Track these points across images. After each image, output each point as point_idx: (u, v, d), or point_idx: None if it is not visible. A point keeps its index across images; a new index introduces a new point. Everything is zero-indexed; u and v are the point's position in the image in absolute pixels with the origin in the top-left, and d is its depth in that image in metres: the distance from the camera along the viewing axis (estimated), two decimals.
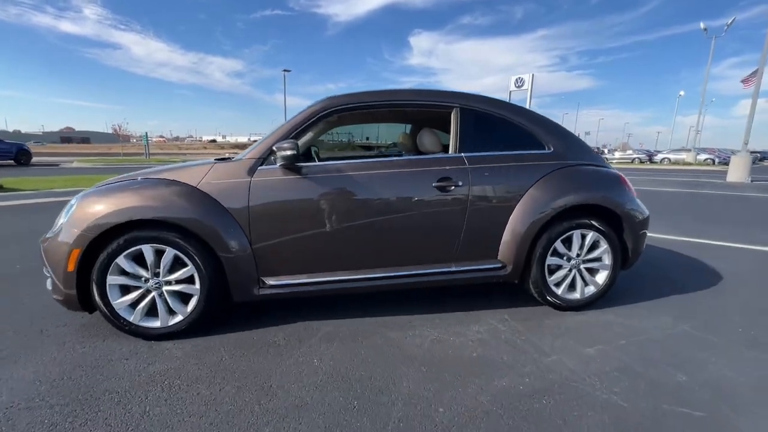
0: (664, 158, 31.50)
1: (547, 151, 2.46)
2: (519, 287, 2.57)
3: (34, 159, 19.51)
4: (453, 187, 2.24)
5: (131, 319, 2.04)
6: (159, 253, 2.02)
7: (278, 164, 2.11)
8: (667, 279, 3.17)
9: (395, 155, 2.82)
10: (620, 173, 2.60)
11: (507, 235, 2.34)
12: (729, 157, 27.34)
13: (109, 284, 1.99)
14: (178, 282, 2.07)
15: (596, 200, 2.39)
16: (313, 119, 2.25)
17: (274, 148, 2.08)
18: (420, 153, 2.60)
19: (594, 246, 2.48)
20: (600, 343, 2.10)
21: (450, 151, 2.36)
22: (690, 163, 28.83)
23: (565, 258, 2.46)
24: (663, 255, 3.89)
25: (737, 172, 14.18)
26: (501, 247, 2.37)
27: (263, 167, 2.15)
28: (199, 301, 2.08)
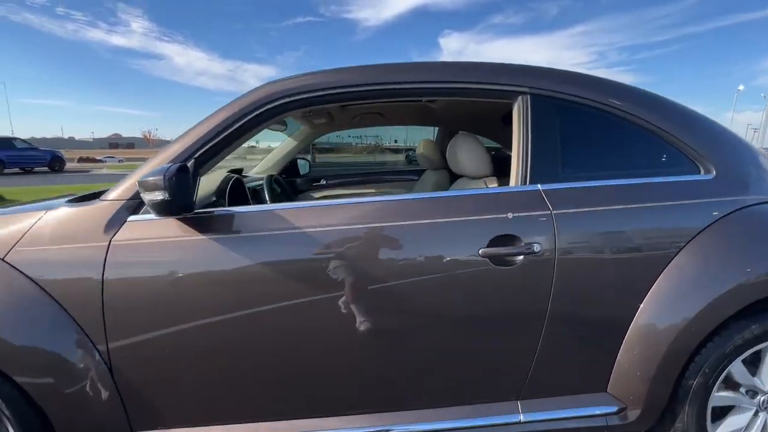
0: None
1: (705, 176, 1.24)
2: None
3: (69, 165, 19.89)
4: (521, 256, 1.08)
5: None
6: None
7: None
8: None
9: (398, 178, 1.69)
10: None
11: (631, 349, 1.16)
12: None
13: None
14: None
15: None
16: (248, 118, 1.15)
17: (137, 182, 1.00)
18: (454, 177, 1.46)
19: None
20: None
21: (513, 180, 1.20)
22: None
23: (746, 392, 1.24)
24: None
25: None
26: (616, 370, 1.19)
27: (136, 217, 1.09)
28: None
